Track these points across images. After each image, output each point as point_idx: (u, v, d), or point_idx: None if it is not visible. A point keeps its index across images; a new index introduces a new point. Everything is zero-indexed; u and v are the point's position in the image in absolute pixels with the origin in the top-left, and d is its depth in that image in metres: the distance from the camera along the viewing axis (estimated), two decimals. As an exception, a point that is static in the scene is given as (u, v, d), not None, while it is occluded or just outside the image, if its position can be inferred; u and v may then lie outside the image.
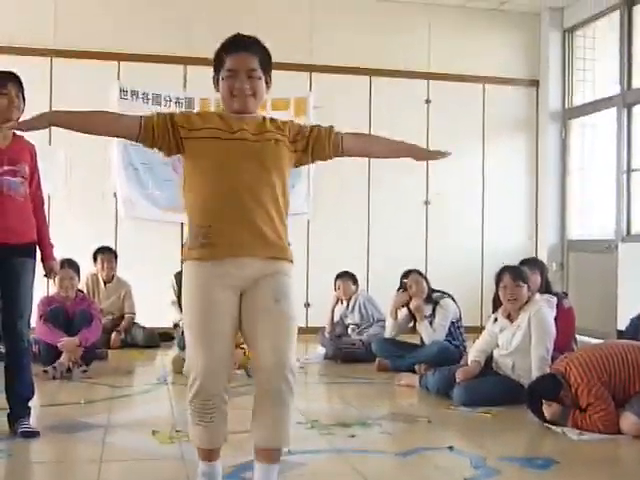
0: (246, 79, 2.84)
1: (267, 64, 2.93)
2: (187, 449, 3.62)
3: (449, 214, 8.69)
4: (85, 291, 6.84)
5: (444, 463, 3.51)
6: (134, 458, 3.54)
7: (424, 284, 6.13)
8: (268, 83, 2.93)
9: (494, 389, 4.77)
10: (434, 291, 6.18)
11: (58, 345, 5.58)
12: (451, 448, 3.72)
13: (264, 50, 2.93)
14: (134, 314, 7.23)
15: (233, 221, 2.78)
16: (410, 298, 6.11)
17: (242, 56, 2.86)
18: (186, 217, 2.92)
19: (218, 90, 2.91)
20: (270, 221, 2.82)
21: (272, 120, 2.94)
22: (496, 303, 5.06)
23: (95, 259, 7.22)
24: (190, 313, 2.85)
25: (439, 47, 8.70)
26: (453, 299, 6.13)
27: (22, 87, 3.84)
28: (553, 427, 4.20)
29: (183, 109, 8.01)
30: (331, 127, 3.06)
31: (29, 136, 3.91)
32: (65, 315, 5.88)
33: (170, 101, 8.06)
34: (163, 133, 2.83)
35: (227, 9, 8.18)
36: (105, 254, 7.24)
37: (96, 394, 5.00)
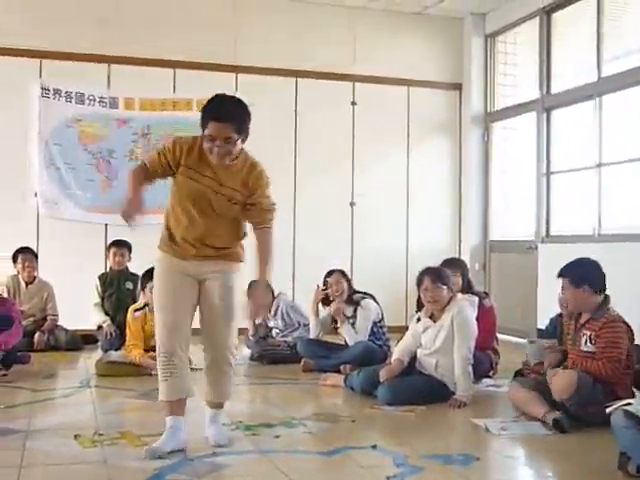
0: (223, 143, 3.53)
1: (243, 127, 3.59)
2: (110, 453, 3.60)
3: (374, 215, 8.78)
4: (6, 293, 6.69)
5: (368, 462, 3.55)
6: (56, 463, 3.47)
7: (345, 285, 6.18)
8: (244, 138, 3.63)
9: (417, 388, 4.83)
10: (356, 292, 6.23)
11: None
12: (374, 447, 3.77)
13: (241, 115, 3.59)
14: (57, 316, 7.09)
15: (188, 237, 3.69)
16: (327, 296, 6.17)
17: (220, 126, 3.51)
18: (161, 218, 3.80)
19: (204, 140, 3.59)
20: (217, 240, 3.71)
21: (248, 170, 3.70)
22: (420, 303, 5.14)
23: (15, 260, 7.06)
24: (158, 288, 3.75)
25: (364, 50, 8.77)
26: (375, 299, 6.19)
27: None
28: (476, 421, 4.31)
29: (107, 108, 7.91)
30: (268, 220, 3.83)
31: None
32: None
33: (94, 100, 7.93)
34: (167, 171, 3.70)
35: (155, 7, 8.11)
36: (25, 254, 7.08)
37: (16, 398, 4.90)
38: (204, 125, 3.56)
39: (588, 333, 4.31)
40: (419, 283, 5.00)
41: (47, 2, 7.86)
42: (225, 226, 3.73)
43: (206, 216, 3.67)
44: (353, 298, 6.14)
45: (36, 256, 7.15)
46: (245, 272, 3.89)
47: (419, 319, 5.07)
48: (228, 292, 3.73)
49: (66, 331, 7.04)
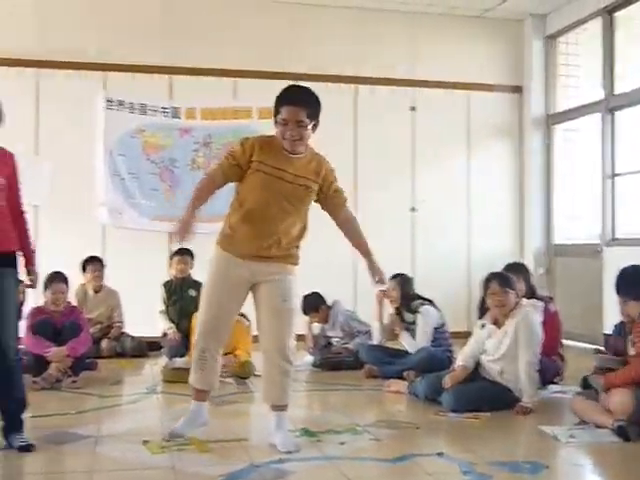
0: (295, 127, 3.69)
1: (314, 113, 3.76)
2: (178, 459, 3.64)
3: (435, 220, 8.73)
4: (74, 302, 6.84)
5: (434, 469, 3.52)
6: (125, 468, 3.54)
7: (398, 292, 6.16)
8: (315, 126, 3.80)
9: (482, 394, 4.79)
10: (416, 297, 6.20)
11: (46, 356, 5.56)
12: (441, 454, 3.75)
13: (313, 102, 3.77)
14: (122, 323, 7.23)
15: (254, 234, 3.80)
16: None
17: (293, 109, 3.67)
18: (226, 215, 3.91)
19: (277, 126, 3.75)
20: (281, 238, 3.83)
21: (317, 162, 3.89)
22: (482, 309, 5.10)
23: (84, 269, 7.22)
24: (209, 284, 3.90)
25: (424, 54, 8.75)
26: (434, 305, 6.15)
27: None
28: (544, 428, 4.25)
29: (169, 118, 8.04)
30: (344, 200, 4.04)
31: (8, 145, 3.93)
32: (53, 326, 5.85)
33: (156, 111, 8.06)
34: (237, 172, 3.82)
35: (212, 20, 8.22)
36: (94, 264, 7.24)
37: (86, 404, 4.99)
38: (277, 111, 3.73)
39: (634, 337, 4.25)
40: (486, 287, 4.96)
41: (110, 16, 8.02)
42: (293, 222, 3.87)
43: (278, 210, 3.79)
44: (412, 305, 6.12)
45: (103, 265, 7.30)
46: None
47: (483, 325, 5.02)
48: (290, 294, 3.89)
49: (132, 338, 7.16)
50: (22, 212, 3.98)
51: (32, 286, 4.11)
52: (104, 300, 7.25)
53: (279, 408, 3.93)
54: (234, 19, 8.28)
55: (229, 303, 3.89)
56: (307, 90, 3.82)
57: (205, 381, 3.98)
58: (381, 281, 4.15)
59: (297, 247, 3.98)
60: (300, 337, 7.29)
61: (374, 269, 4.13)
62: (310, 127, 3.76)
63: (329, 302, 6.83)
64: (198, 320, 3.98)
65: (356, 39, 8.56)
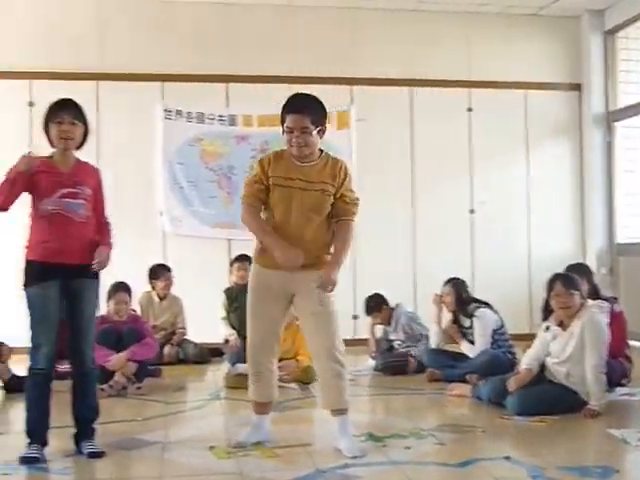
0: (300, 134, 3.81)
1: (319, 120, 3.87)
2: (245, 464, 3.67)
3: (494, 222, 8.64)
4: (139, 310, 6.94)
5: (501, 473, 3.49)
6: (193, 474, 3.58)
7: (453, 297, 6.13)
8: (321, 131, 3.89)
9: (548, 397, 4.73)
10: (473, 301, 6.14)
11: (107, 365, 5.57)
12: (507, 458, 3.71)
13: (316, 108, 3.89)
14: (185, 329, 7.31)
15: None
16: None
17: (297, 117, 3.82)
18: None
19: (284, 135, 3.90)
20: (309, 246, 3.85)
21: (333, 166, 3.95)
22: (547, 311, 5.02)
23: (155, 276, 7.32)
24: (250, 301, 4.00)
25: (479, 55, 8.68)
26: (491, 307, 6.09)
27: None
28: (613, 431, 4.18)
29: (226, 126, 8.12)
30: (351, 213, 4.02)
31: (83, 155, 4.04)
32: (116, 335, 5.92)
33: (213, 119, 8.16)
34: (265, 190, 3.92)
35: (268, 26, 8.29)
36: (165, 272, 7.33)
37: (151, 411, 5.06)
38: (283, 120, 3.88)
39: None
40: (550, 289, 4.88)
41: (166, 28, 8.15)
42: (319, 228, 3.93)
43: (300, 219, 3.88)
44: (468, 309, 6.07)
45: (171, 272, 7.39)
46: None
47: (548, 327, 4.95)
48: (326, 298, 3.92)
49: (194, 344, 7.23)
50: (108, 223, 4.08)
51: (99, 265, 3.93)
52: (168, 307, 7.35)
53: (339, 412, 3.95)
54: (287, 25, 8.33)
55: (272, 314, 3.98)
56: (311, 97, 3.95)
57: (263, 394, 4.06)
58: (321, 287, 3.89)
59: (329, 252, 4.00)
60: (361, 342, 7.36)
61: (324, 279, 3.88)
62: (315, 133, 3.86)
63: (391, 305, 6.80)
64: (248, 337, 4.06)
65: (411, 41, 8.53)
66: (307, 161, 3.92)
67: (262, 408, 4.09)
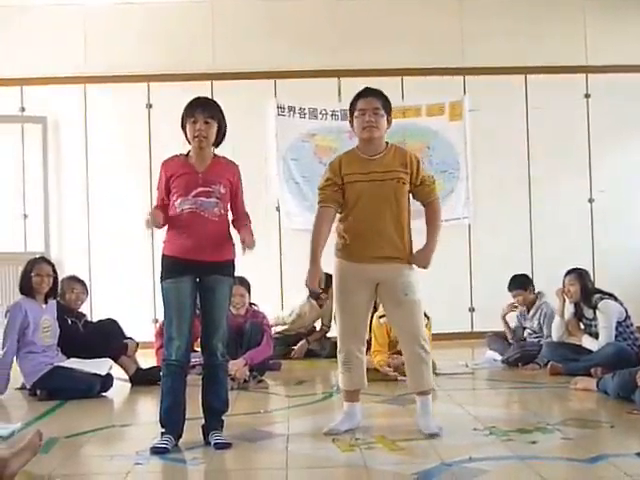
0: (372, 114, 4.02)
1: (387, 107, 4.10)
2: (369, 457, 3.68)
3: (615, 210, 8.39)
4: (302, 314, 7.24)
5: (634, 470, 3.36)
6: (318, 466, 3.61)
7: (577, 287, 5.98)
8: (389, 121, 4.11)
9: (680, 392, 4.55)
10: (596, 292, 5.97)
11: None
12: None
13: (385, 98, 4.11)
14: (328, 328, 7.35)
15: (364, 239, 4.03)
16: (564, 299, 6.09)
17: (368, 99, 4.06)
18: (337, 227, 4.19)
19: (352, 128, 4.16)
20: (390, 238, 4.02)
21: (401, 154, 4.10)
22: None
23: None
24: (336, 295, 4.15)
25: (595, 38, 8.42)
26: (616, 298, 5.90)
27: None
28: None
29: (339, 121, 8.15)
30: (432, 190, 4.16)
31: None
32: (236, 329, 6.02)
33: (326, 114, 8.22)
34: (341, 192, 4.08)
35: (375, 18, 8.28)
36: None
37: (273, 404, 5.16)
38: (354, 108, 4.10)
39: None
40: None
41: (277, 25, 8.28)
42: (398, 217, 4.05)
43: (379, 211, 4.03)
44: (592, 300, 5.90)
45: None
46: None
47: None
48: (410, 287, 4.05)
49: (332, 342, 7.27)
50: (247, 215, 4.15)
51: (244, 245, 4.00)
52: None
53: (422, 393, 4.13)
54: (397, 17, 8.31)
55: (358, 304, 4.10)
56: (379, 90, 4.15)
57: (353, 381, 4.19)
58: (416, 262, 4.11)
59: (406, 249, 4.10)
60: (478, 335, 7.27)
61: (418, 258, 4.12)
62: (385, 119, 4.07)
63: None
64: (337, 329, 4.21)
65: (522, 28, 8.36)
66: (375, 154, 4.08)
67: (352, 396, 4.24)
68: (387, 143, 4.15)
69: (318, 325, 7.53)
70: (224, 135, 4.09)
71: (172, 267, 3.93)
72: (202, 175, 3.96)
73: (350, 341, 4.13)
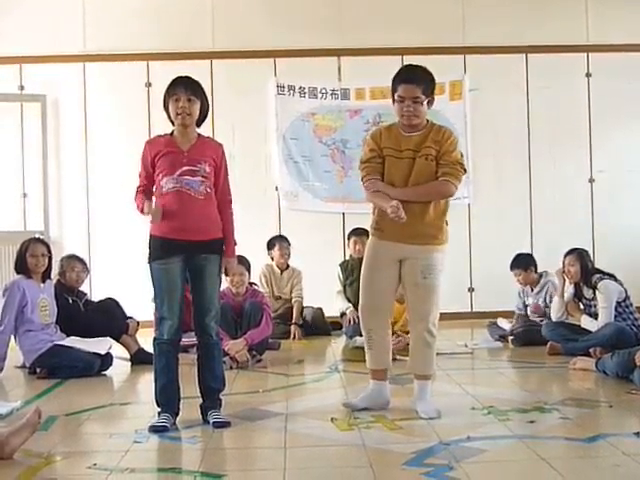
0: (411, 104, 3.95)
1: (429, 90, 3.98)
2: (367, 436, 3.68)
3: (615, 191, 8.38)
4: (263, 281, 7.09)
5: (632, 449, 3.37)
6: (317, 444, 3.61)
7: (577, 267, 5.97)
8: (430, 102, 4.01)
9: (679, 371, 4.55)
10: (595, 272, 5.96)
11: (225, 349, 5.38)
12: (638, 434, 3.59)
13: (427, 79, 3.99)
14: (302, 298, 7.37)
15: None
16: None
17: (409, 87, 3.95)
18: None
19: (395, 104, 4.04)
20: (422, 218, 3.99)
21: (437, 131, 4.03)
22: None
23: (272, 247, 7.44)
24: (364, 271, 4.16)
25: (597, 16, 8.35)
26: (616, 278, 5.89)
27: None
28: None
29: (339, 100, 8.13)
30: (449, 175, 3.99)
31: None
32: (234, 310, 6.05)
33: (326, 93, 8.19)
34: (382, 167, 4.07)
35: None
36: (282, 242, 7.47)
37: (272, 383, 5.16)
38: (394, 90, 4.00)
39: None
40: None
41: (277, 3, 8.20)
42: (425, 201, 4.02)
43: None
44: (591, 280, 5.89)
45: (289, 243, 7.51)
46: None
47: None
48: (431, 270, 4.03)
49: (313, 309, 7.37)
50: (229, 201, 4.10)
51: (225, 272, 4.18)
52: (289, 278, 7.48)
53: (421, 377, 4.13)
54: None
55: (383, 282, 4.10)
56: (422, 68, 4.04)
57: (377, 360, 4.19)
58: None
59: (442, 223, 4.09)
60: (477, 315, 7.27)
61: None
62: (425, 103, 3.97)
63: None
64: (360, 304, 4.21)
65: (523, 6, 8.31)
66: (414, 131, 4.04)
67: (377, 374, 4.22)
68: (427, 121, 4.08)
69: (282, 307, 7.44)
70: (206, 115, 4.02)
71: (160, 248, 3.90)
72: (187, 154, 3.92)
73: (371, 319, 4.15)
